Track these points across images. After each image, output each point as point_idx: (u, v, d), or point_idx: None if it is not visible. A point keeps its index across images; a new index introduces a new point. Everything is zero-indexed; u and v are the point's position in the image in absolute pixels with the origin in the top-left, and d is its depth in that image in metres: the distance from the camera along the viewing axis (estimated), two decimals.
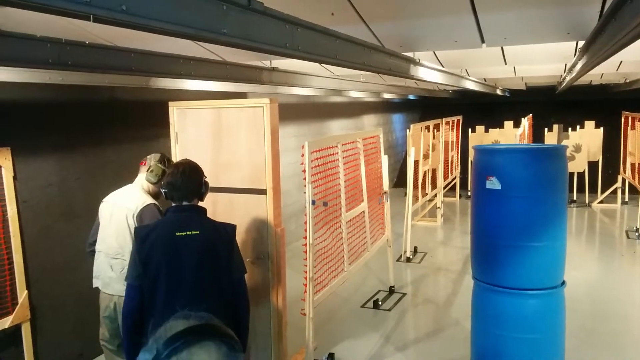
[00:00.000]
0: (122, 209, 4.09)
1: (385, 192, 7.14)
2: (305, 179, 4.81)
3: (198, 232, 3.30)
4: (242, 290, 3.47)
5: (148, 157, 4.27)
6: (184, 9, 1.83)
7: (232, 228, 3.48)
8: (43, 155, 5.01)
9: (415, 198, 9.65)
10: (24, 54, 2.84)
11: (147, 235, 3.27)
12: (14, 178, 4.60)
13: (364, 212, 6.36)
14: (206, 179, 3.52)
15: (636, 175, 11.17)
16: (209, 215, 3.56)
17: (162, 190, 3.49)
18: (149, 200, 4.13)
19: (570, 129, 13.22)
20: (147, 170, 4.18)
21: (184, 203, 3.40)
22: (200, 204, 3.52)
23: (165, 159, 4.27)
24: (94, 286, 4.25)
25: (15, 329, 4.66)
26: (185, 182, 3.37)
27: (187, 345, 1.22)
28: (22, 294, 4.66)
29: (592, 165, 13.05)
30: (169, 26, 1.77)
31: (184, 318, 1.29)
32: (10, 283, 4.59)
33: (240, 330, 3.43)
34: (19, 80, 4.19)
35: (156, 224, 3.41)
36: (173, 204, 3.43)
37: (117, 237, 4.09)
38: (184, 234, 3.27)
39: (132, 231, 3.92)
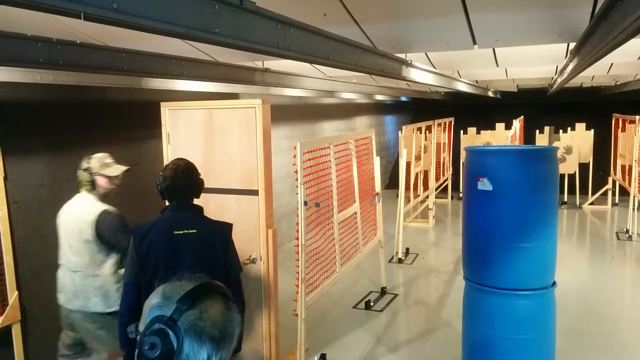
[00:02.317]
0: (75, 222, 4.02)
1: (377, 194, 7.14)
2: (297, 180, 4.81)
3: (195, 230, 3.33)
4: (238, 289, 3.49)
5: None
6: (175, 8, 1.82)
7: (228, 227, 3.52)
8: (34, 155, 4.98)
9: (407, 199, 9.66)
10: (14, 53, 2.83)
11: (145, 234, 3.29)
12: (5, 178, 4.57)
13: (356, 213, 6.36)
14: (201, 177, 3.55)
15: (626, 177, 11.21)
16: None
17: (159, 191, 3.47)
18: (103, 206, 4.05)
19: (561, 130, 13.27)
20: (81, 186, 4.13)
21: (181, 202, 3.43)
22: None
23: (87, 160, 4.16)
24: (58, 302, 4.23)
25: (6, 331, 4.62)
26: (184, 184, 3.41)
27: (204, 299, 1.46)
28: (13, 295, 4.62)
29: (583, 167, 13.10)
30: (161, 25, 1.76)
31: (187, 279, 1.54)
32: (0, 284, 4.55)
33: None
34: (10, 80, 4.16)
35: (154, 222, 3.39)
36: (169, 203, 3.46)
37: (74, 251, 4.03)
38: (181, 232, 3.30)
39: (88, 242, 3.93)
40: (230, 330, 1.46)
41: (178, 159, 3.58)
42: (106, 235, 3.99)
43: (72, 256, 4.06)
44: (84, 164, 4.13)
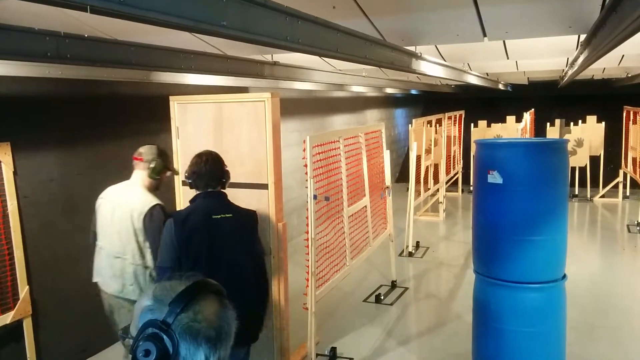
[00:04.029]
0: (126, 209, 4.00)
1: (387, 187, 7.13)
2: (307, 173, 4.80)
3: (231, 215, 3.61)
4: (264, 270, 3.80)
5: (142, 151, 4.12)
6: (182, 1, 1.82)
7: (255, 213, 3.83)
8: (44, 150, 5.00)
9: (418, 193, 9.64)
10: (22, 47, 2.83)
11: (185, 219, 3.52)
12: (14, 173, 4.60)
13: (365, 206, 6.35)
14: (227, 168, 3.75)
15: (637, 170, 11.15)
16: None
17: (187, 180, 3.68)
18: (155, 200, 4.06)
19: (572, 123, 13.18)
20: (149, 168, 4.07)
21: (208, 190, 3.63)
22: None
23: (160, 151, 4.17)
24: (93, 280, 4.21)
25: (17, 325, 4.66)
26: (208, 171, 3.62)
27: (197, 299, 1.39)
28: (24, 289, 4.66)
29: (594, 159, 13.02)
30: (168, 18, 1.76)
31: (177, 279, 1.46)
32: (12, 278, 4.58)
33: (261, 306, 3.70)
34: (19, 75, 4.16)
35: (191, 209, 3.63)
36: (198, 191, 3.66)
37: (120, 237, 4.01)
38: (219, 216, 3.57)
39: (136, 231, 3.97)
40: (227, 329, 1.42)
41: (205, 150, 3.78)
42: (150, 227, 3.98)
43: (118, 242, 4.03)
44: (156, 153, 4.12)
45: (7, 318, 4.54)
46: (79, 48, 3.15)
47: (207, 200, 3.62)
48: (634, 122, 11.58)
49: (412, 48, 4.64)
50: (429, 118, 10.75)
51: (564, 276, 4.40)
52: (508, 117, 13.92)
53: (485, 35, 4.13)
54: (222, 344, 1.40)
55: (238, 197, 4.62)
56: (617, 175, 12.93)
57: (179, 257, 3.47)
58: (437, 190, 11.44)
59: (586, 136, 12.93)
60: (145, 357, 1.33)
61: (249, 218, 3.76)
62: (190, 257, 3.46)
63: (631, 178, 12.34)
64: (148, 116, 5.95)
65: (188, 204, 3.72)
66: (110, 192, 4.19)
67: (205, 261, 3.45)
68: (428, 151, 10.48)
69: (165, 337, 1.34)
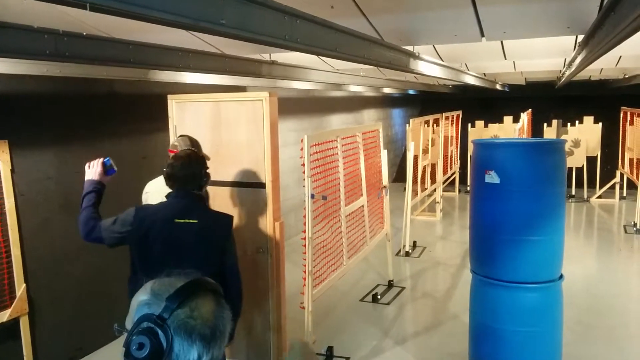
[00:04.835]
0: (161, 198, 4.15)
1: (384, 187, 7.13)
2: (304, 173, 4.81)
3: (196, 220, 3.38)
4: (235, 274, 3.55)
5: (175, 143, 4.21)
6: None
7: (230, 218, 3.59)
8: (41, 148, 4.99)
9: (415, 193, 9.65)
10: (20, 45, 2.82)
11: (148, 215, 3.38)
12: (12, 171, 4.59)
13: (363, 206, 6.36)
14: (207, 170, 3.57)
15: (634, 171, 11.17)
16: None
17: (163, 177, 3.55)
18: None
19: (569, 124, 13.21)
20: None
21: (180, 191, 3.47)
22: None
23: (192, 141, 4.22)
24: None
25: (14, 323, 4.65)
26: (182, 173, 3.44)
27: (195, 297, 1.40)
28: (20, 287, 4.65)
29: (591, 160, 13.06)
30: (167, 16, 1.76)
31: (176, 275, 1.46)
32: (8, 276, 4.57)
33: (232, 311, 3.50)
34: (17, 72, 4.16)
35: (157, 208, 3.48)
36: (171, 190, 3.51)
37: None
38: (182, 221, 3.37)
39: None
40: (222, 328, 1.42)
41: (184, 150, 3.66)
42: None
43: None
44: (189, 144, 4.17)
45: (4, 316, 4.53)
46: (78, 46, 3.15)
47: (176, 201, 3.46)
48: (631, 123, 11.60)
49: (410, 48, 4.65)
50: (426, 118, 10.76)
51: (561, 276, 4.41)
52: (505, 118, 13.94)
53: (483, 35, 4.14)
54: (217, 343, 1.40)
55: (235, 196, 4.63)
56: (613, 176, 12.96)
57: (111, 237, 3.37)
58: (434, 190, 11.46)
59: (583, 137, 12.96)
60: (139, 350, 1.32)
61: (220, 224, 3.53)
62: (142, 256, 3.34)
63: (628, 179, 12.36)
64: (146, 115, 5.94)
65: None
66: (152, 185, 4.34)
67: (158, 263, 3.25)
68: (425, 151, 10.49)
69: (160, 331, 1.34)
